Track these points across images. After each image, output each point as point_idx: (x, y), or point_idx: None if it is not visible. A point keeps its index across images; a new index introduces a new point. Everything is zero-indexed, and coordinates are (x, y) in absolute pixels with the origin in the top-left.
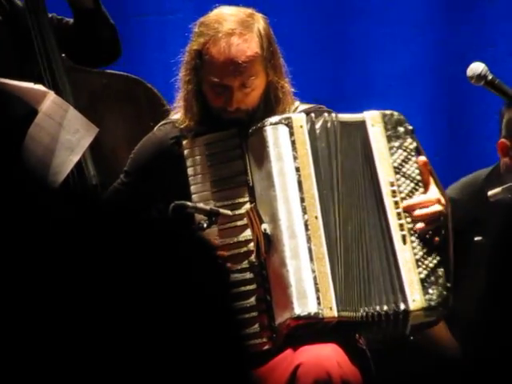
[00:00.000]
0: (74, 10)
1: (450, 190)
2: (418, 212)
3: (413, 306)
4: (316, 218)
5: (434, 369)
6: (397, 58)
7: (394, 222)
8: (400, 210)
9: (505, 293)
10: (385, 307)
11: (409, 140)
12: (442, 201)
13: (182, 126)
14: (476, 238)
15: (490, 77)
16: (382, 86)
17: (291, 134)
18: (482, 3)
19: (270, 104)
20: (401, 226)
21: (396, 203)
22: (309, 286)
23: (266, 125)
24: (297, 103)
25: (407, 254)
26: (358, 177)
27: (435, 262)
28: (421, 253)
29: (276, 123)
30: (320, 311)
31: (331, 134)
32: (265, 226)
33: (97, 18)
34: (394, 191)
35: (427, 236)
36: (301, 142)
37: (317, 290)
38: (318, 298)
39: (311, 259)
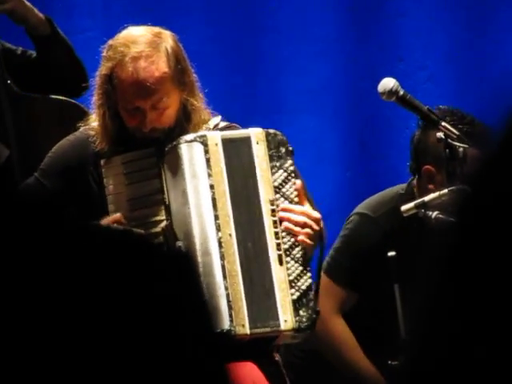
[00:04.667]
0: (32, 38)
1: (363, 207)
2: (294, 227)
3: (284, 326)
4: (230, 235)
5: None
6: (307, 75)
7: (271, 242)
8: (278, 229)
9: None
10: (266, 325)
11: (289, 161)
12: (320, 222)
13: (97, 149)
14: (389, 254)
15: (401, 92)
16: (292, 102)
17: (206, 151)
18: (389, 18)
19: (183, 122)
20: (278, 245)
21: (275, 222)
22: (222, 303)
23: (181, 142)
24: (216, 120)
25: (282, 274)
26: (246, 194)
27: (307, 284)
28: (294, 274)
29: (191, 141)
30: (232, 328)
31: (224, 152)
32: (179, 244)
33: (55, 44)
34: (273, 210)
35: (301, 257)
36: (215, 159)
37: (229, 308)
38: (231, 316)
39: (224, 276)
